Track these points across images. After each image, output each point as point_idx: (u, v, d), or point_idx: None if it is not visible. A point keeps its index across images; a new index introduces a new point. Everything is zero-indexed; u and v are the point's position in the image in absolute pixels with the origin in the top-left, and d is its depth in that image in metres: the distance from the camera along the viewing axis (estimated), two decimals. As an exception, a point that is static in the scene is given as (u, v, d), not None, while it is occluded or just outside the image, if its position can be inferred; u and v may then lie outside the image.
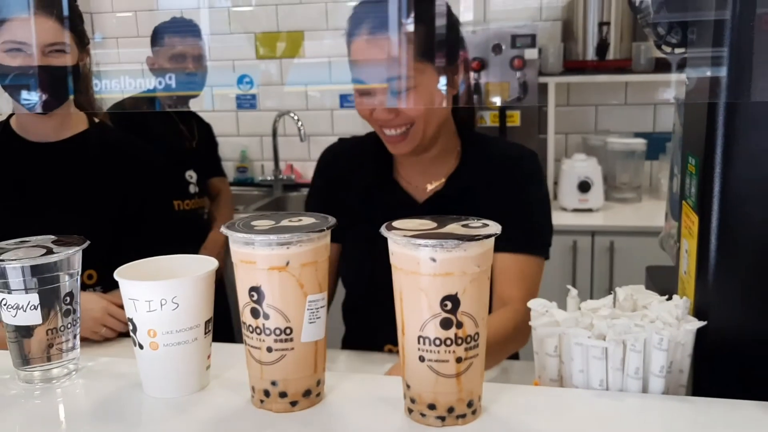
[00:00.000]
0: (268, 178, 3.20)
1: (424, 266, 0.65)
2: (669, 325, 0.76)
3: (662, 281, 1.20)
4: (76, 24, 1.35)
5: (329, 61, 3.30)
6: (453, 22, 1.24)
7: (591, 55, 2.77)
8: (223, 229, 0.70)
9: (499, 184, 1.22)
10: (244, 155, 3.27)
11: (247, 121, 3.29)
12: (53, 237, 0.82)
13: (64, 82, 1.33)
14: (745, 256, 0.77)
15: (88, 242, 0.81)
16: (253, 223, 0.71)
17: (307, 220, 0.73)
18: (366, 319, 1.32)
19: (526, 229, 1.22)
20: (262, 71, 3.28)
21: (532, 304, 0.82)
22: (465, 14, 2.98)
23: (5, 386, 0.80)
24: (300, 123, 3.08)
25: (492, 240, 0.67)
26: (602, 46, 2.73)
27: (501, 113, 2.75)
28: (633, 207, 2.76)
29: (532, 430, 0.69)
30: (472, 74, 2.70)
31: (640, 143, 2.77)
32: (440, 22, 1.20)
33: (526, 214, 1.22)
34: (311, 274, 0.70)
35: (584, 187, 2.66)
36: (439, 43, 1.20)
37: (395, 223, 0.69)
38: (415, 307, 0.66)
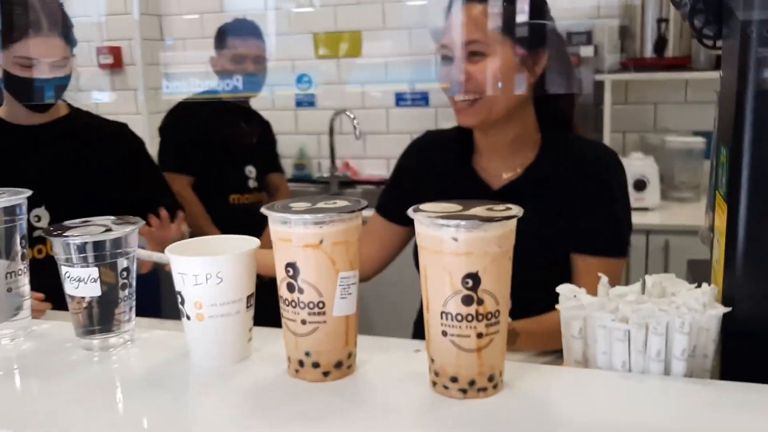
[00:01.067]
0: (325, 175, 3.28)
1: (447, 245, 0.68)
2: (694, 310, 0.78)
3: (702, 274, 1.20)
4: (71, 35, 1.56)
5: (386, 61, 3.37)
6: (544, 10, 1.26)
7: (649, 52, 2.73)
8: (263, 210, 0.75)
9: (579, 183, 1.23)
10: (302, 152, 3.36)
11: (305, 119, 3.38)
12: (113, 217, 0.89)
13: (61, 89, 1.58)
14: (774, 244, 0.77)
15: (143, 222, 0.88)
16: (291, 204, 0.77)
17: (341, 202, 0.77)
18: None
19: (609, 233, 1.23)
20: (320, 71, 3.37)
21: (560, 289, 0.85)
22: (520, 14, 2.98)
23: (67, 353, 0.87)
24: (356, 121, 3.14)
25: (513, 222, 0.70)
26: (661, 43, 2.69)
27: (555, 111, 2.74)
28: (691, 206, 2.71)
29: (551, 406, 0.72)
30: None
31: (698, 142, 2.72)
32: (528, 6, 1.22)
33: (608, 216, 1.23)
34: (343, 252, 0.74)
35: (640, 185, 2.63)
36: (522, 26, 1.21)
37: (422, 206, 0.73)
38: (439, 284, 0.70)
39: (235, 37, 2.56)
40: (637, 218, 2.57)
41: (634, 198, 2.63)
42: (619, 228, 1.25)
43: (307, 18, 3.34)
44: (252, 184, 2.55)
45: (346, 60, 3.32)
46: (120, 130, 1.76)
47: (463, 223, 0.67)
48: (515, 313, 0.91)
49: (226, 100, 2.56)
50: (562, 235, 1.13)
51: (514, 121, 1.23)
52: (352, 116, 3.18)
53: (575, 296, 0.84)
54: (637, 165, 2.67)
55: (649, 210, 2.63)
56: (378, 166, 3.27)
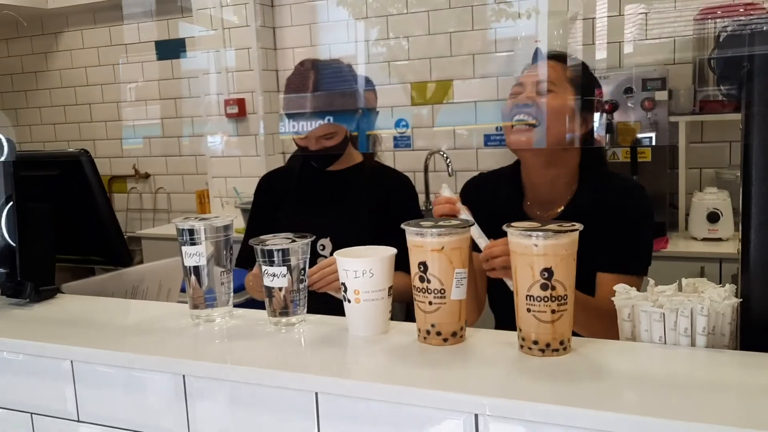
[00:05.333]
0: (422, 209, 3.64)
1: (530, 249, 1.01)
2: (714, 301, 1.07)
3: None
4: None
5: (475, 103, 3.71)
6: (589, 75, 1.59)
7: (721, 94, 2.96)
8: (403, 225, 1.10)
9: (608, 212, 1.50)
10: (400, 189, 3.74)
11: (402, 158, 3.77)
12: (294, 233, 1.26)
13: (330, 158, 1.91)
14: (774, 253, 1.06)
15: (314, 237, 1.25)
16: (422, 222, 1.12)
17: (455, 221, 1.12)
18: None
19: (628, 253, 1.50)
20: (415, 115, 3.76)
21: (617, 287, 1.15)
22: (600, 61, 3.28)
23: (263, 327, 1.25)
24: (448, 160, 3.50)
25: (576, 234, 1.02)
26: (732, 87, 2.92)
27: (632, 150, 3.01)
28: (764, 237, 2.89)
29: (606, 363, 1.02)
30: (605, 115, 2.99)
31: (771, 177, 2.91)
32: (579, 70, 1.56)
33: (629, 239, 1.49)
34: (458, 255, 1.08)
35: (713, 218, 2.85)
36: (578, 84, 1.54)
37: (513, 224, 1.07)
38: (524, 275, 1.03)
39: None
40: (710, 248, 2.83)
41: (708, 229, 2.85)
42: (637, 249, 1.51)
43: (403, 70, 3.75)
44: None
45: (438, 106, 3.70)
46: (401, 181, 1.99)
47: (541, 234, 1.00)
48: None
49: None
50: (592, 258, 1.39)
51: (556, 165, 1.52)
52: (444, 155, 3.54)
53: (627, 292, 1.15)
54: (711, 199, 2.90)
55: (722, 240, 2.84)
56: (468, 201, 3.60)
